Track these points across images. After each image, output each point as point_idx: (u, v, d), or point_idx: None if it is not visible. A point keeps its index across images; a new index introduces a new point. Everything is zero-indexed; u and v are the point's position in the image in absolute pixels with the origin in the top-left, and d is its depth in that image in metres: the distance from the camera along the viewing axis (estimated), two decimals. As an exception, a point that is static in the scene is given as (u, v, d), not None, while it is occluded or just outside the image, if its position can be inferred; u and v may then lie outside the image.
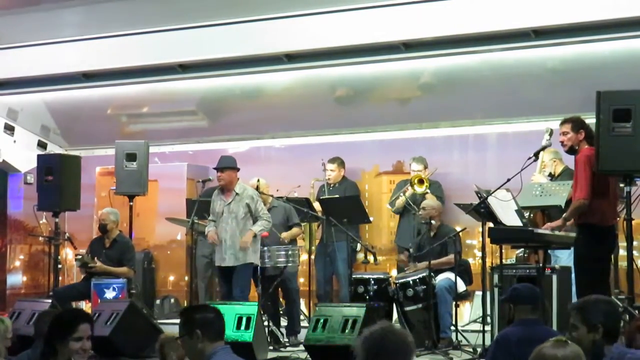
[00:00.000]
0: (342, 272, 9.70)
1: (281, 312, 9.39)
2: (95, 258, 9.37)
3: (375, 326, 3.51)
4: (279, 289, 9.19)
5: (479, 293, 8.91)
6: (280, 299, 9.46)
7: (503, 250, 7.74)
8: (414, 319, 8.15)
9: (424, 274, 8.13)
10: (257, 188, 9.19)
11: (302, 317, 9.49)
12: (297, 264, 9.07)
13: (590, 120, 7.09)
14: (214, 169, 8.90)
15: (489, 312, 8.09)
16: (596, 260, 6.91)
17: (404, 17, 9.50)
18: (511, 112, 10.16)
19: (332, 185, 10.21)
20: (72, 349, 4.38)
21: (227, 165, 8.81)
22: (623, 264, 7.54)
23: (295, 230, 9.42)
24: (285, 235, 9.28)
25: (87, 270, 9.43)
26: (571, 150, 7.19)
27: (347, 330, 7.40)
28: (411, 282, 8.15)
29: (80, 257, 9.51)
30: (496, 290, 7.65)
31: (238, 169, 8.86)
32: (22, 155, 12.11)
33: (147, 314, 8.49)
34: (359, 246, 9.77)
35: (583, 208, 6.88)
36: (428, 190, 9.68)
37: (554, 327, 7.14)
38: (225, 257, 8.64)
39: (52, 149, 12.27)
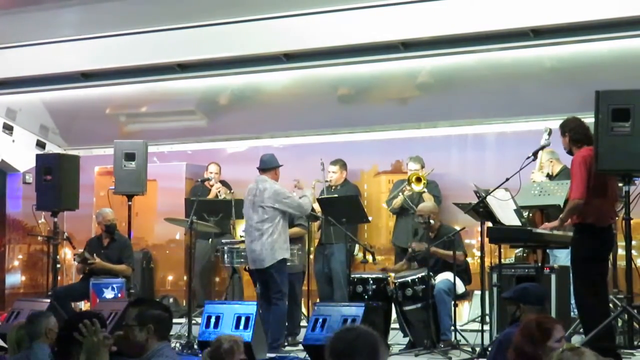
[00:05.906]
0: (338, 274, 9.64)
1: None
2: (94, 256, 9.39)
3: (345, 327, 3.42)
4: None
5: (477, 292, 8.91)
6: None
7: (502, 250, 7.73)
8: (413, 319, 8.14)
9: (423, 274, 8.12)
10: None
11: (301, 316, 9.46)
12: (296, 264, 8.88)
13: (589, 119, 7.09)
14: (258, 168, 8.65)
15: (487, 311, 8.10)
16: (592, 260, 6.90)
17: (402, 17, 9.49)
18: (510, 111, 10.15)
19: (333, 188, 10.08)
20: None
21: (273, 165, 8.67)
22: (622, 263, 7.54)
23: (294, 230, 9.07)
24: None
25: (86, 266, 9.41)
26: (569, 152, 7.20)
27: (346, 330, 7.36)
28: (410, 281, 8.13)
29: (79, 252, 9.53)
30: (495, 289, 7.65)
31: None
32: (21, 155, 12.10)
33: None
34: (356, 248, 9.71)
35: (578, 208, 6.88)
36: (425, 190, 9.66)
37: (553, 327, 7.14)
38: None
39: (51, 148, 12.26)
